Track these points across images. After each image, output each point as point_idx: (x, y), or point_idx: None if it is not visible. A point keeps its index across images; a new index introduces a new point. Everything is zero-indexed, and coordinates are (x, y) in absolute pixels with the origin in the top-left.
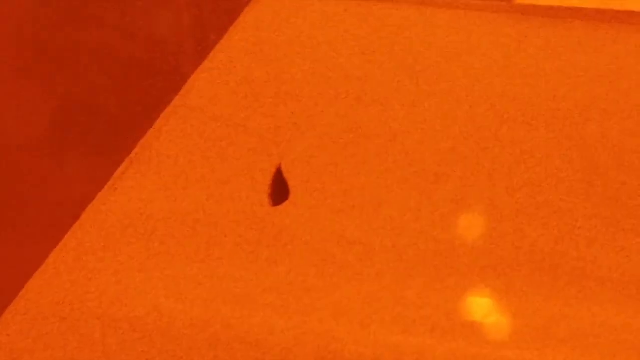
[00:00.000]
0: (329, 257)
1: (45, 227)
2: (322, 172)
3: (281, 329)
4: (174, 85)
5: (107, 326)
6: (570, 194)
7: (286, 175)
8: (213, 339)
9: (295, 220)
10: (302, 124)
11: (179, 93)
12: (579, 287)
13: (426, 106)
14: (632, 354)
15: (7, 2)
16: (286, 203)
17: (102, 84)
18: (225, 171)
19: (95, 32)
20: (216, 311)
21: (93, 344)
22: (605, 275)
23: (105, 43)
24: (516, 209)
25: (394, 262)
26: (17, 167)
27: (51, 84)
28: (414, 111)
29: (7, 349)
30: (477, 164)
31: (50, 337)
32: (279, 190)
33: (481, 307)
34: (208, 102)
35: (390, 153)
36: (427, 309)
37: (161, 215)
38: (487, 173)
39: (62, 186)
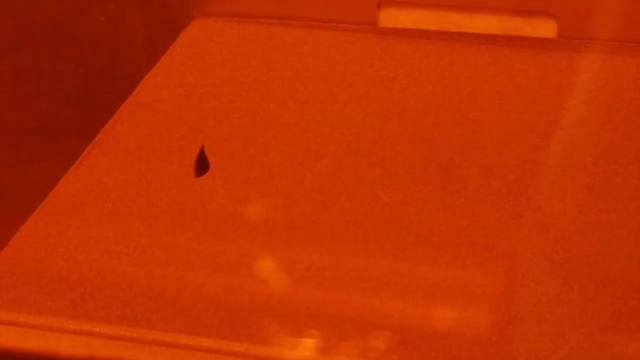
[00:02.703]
0: (235, 214)
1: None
2: (232, 152)
3: (192, 281)
4: (128, 88)
5: (69, 282)
6: (413, 167)
7: (207, 154)
8: (142, 292)
9: (212, 186)
10: (219, 116)
11: (132, 94)
12: (413, 235)
13: (311, 104)
14: (451, 294)
15: None
16: (206, 175)
17: (71, 86)
18: (163, 150)
19: (67, 48)
20: (146, 269)
21: (58, 298)
22: (434, 226)
23: (77, 57)
24: (373, 178)
25: (282, 218)
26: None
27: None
28: (302, 107)
29: None
30: (346, 146)
31: (25, 287)
32: (201, 165)
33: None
34: (153, 101)
35: (283, 138)
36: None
37: (114, 183)
38: (352, 153)
39: (42, 166)
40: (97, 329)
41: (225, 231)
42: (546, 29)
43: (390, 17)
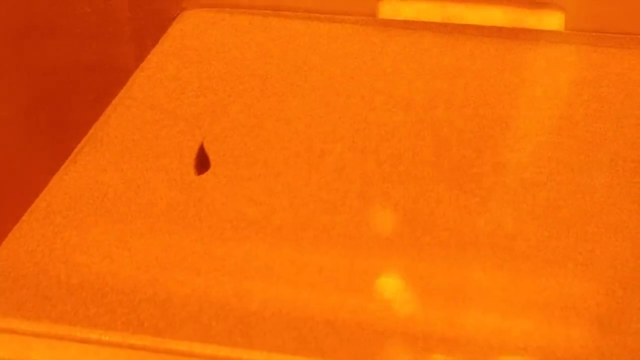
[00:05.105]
0: (239, 214)
1: (19, 194)
2: (233, 148)
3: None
4: (117, 82)
5: (69, 287)
6: (423, 164)
7: (207, 151)
8: (147, 297)
9: (214, 185)
10: (218, 112)
11: (123, 88)
12: (430, 236)
13: (312, 98)
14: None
15: None
16: (207, 173)
17: (56, 80)
18: (160, 147)
19: (52, 41)
20: (150, 273)
21: (58, 303)
22: (451, 226)
23: (62, 50)
24: (382, 177)
25: (290, 219)
26: None
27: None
28: (303, 102)
29: None
30: (352, 142)
31: (22, 291)
32: (202, 163)
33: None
34: (146, 95)
35: (286, 134)
36: (311, 263)
37: (111, 182)
38: (359, 149)
39: (35, 164)
40: (106, 338)
41: (230, 232)
42: (553, 21)
43: (391, 9)
